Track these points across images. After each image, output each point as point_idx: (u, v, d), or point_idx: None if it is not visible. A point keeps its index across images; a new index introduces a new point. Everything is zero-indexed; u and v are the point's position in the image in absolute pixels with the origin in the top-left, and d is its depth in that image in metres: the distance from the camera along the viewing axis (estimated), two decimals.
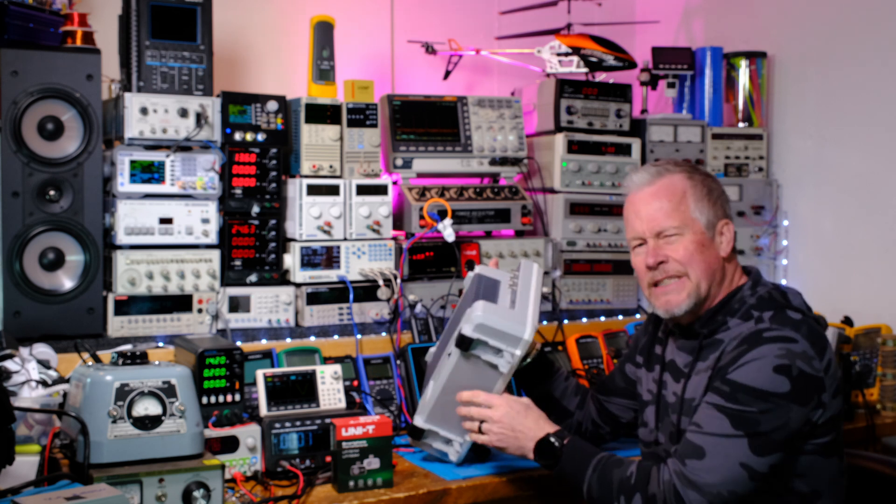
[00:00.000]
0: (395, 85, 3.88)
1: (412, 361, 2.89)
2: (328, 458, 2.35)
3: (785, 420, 2.03)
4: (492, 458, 2.49)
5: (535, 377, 2.57)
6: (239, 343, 2.83)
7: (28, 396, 2.33)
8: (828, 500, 2.15)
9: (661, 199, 2.22)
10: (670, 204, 2.21)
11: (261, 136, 3.03)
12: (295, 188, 3.08)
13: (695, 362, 2.21)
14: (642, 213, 2.25)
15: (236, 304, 2.98)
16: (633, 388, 2.49)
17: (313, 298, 3.07)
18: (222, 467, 2.11)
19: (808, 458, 2.11)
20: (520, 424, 2.28)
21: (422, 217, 3.20)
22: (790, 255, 3.81)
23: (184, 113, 2.90)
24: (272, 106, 3.04)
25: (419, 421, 2.43)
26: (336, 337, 3.05)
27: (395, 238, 3.22)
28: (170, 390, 2.13)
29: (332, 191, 3.11)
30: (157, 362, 2.22)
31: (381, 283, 3.08)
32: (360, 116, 3.19)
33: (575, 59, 3.71)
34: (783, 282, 3.78)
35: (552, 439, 2.23)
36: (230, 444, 2.31)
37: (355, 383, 2.83)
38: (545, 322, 3.31)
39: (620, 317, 3.54)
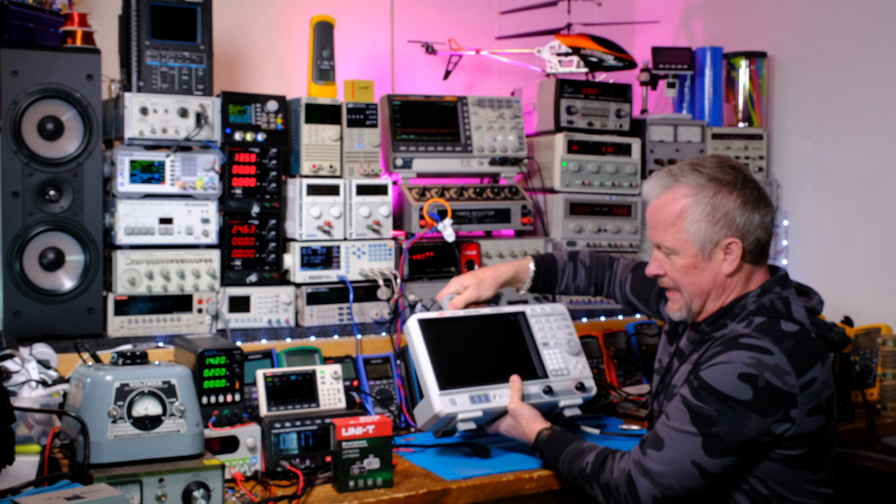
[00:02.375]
0: (395, 85, 3.88)
1: (412, 361, 2.88)
2: (328, 458, 2.35)
3: (740, 426, 2.05)
4: (492, 459, 2.50)
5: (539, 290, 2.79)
6: (239, 343, 2.83)
7: (28, 396, 2.34)
8: None
9: (661, 216, 2.25)
10: (666, 223, 2.24)
11: (261, 136, 3.03)
12: (295, 188, 3.08)
13: (691, 353, 2.28)
14: (649, 224, 2.31)
15: (236, 304, 2.98)
16: (646, 304, 2.66)
17: (313, 298, 3.07)
18: (222, 467, 2.11)
19: (771, 464, 2.12)
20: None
21: (422, 217, 3.20)
22: (790, 255, 3.81)
23: (184, 113, 2.90)
24: (272, 106, 3.04)
25: (446, 405, 2.43)
26: (336, 337, 3.05)
27: (395, 238, 3.22)
28: (170, 390, 2.13)
29: (332, 191, 3.11)
30: (157, 362, 2.22)
31: (381, 283, 3.08)
32: (360, 116, 3.19)
33: (575, 59, 3.71)
34: None
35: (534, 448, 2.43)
36: (230, 444, 2.31)
37: (355, 383, 2.83)
38: None
39: (620, 317, 3.53)
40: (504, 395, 2.50)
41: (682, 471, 2.08)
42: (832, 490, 2.22)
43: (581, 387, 2.60)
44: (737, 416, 2.05)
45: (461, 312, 2.62)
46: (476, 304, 2.67)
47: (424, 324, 2.53)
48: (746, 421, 2.05)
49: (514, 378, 2.51)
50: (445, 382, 2.46)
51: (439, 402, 2.43)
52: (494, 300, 2.72)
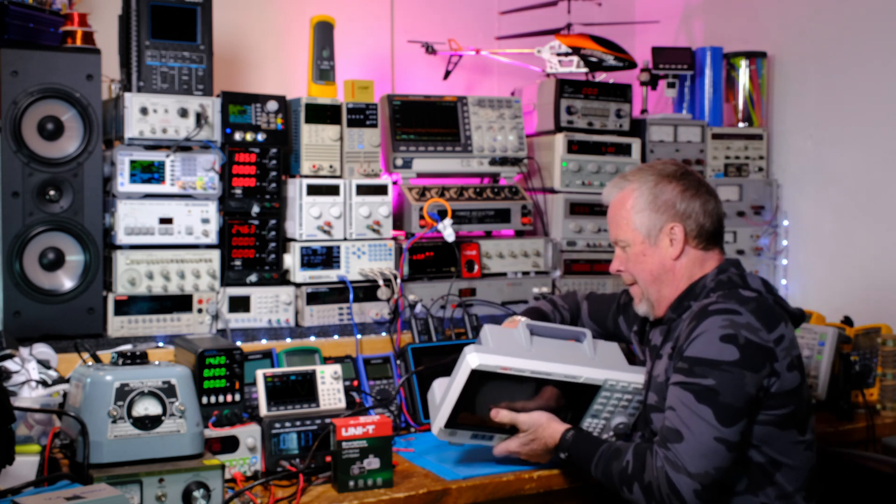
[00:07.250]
0: (395, 85, 3.88)
1: (412, 361, 2.89)
2: (328, 458, 2.35)
3: (740, 385, 2.13)
4: (492, 458, 2.49)
5: None
6: (239, 343, 2.83)
7: (28, 396, 2.34)
8: (790, 472, 2.23)
9: (614, 213, 2.44)
10: (616, 220, 2.42)
11: (261, 136, 3.03)
12: (295, 188, 3.08)
13: (664, 343, 2.36)
14: (608, 224, 2.49)
15: (236, 304, 2.98)
16: (604, 326, 2.75)
17: (313, 298, 3.07)
18: (222, 467, 2.11)
19: (763, 428, 2.20)
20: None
21: (422, 217, 3.20)
22: (790, 255, 3.81)
23: (184, 113, 2.90)
24: (272, 106, 3.04)
25: (443, 434, 2.39)
26: (336, 337, 3.05)
27: (395, 238, 3.22)
28: (170, 390, 2.13)
29: (332, 191, 3.11)
30: (157, 362, 2.22)
31: (381, 283, 3.08)
32: (360, 116, 3.19)
33: (575, 59, 3.71)
34: (783, 282, 3.79)
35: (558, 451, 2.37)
36: (230, 444, 2.31)
37: (355, 383, 2.83)
38: None
39: None
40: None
41: (710, 452, 2.11)
42: (816, 458, 2.31)
43: None
44: (733, 377, 2.13)
45: (530, 368, 2.33)
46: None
47: (476, 375, 2.29)
48: (743, 379, 2.13)
49: (494, 412, 2.38)
50: (457, 423, 2.36)
51: (437, 430, 2.36)
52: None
